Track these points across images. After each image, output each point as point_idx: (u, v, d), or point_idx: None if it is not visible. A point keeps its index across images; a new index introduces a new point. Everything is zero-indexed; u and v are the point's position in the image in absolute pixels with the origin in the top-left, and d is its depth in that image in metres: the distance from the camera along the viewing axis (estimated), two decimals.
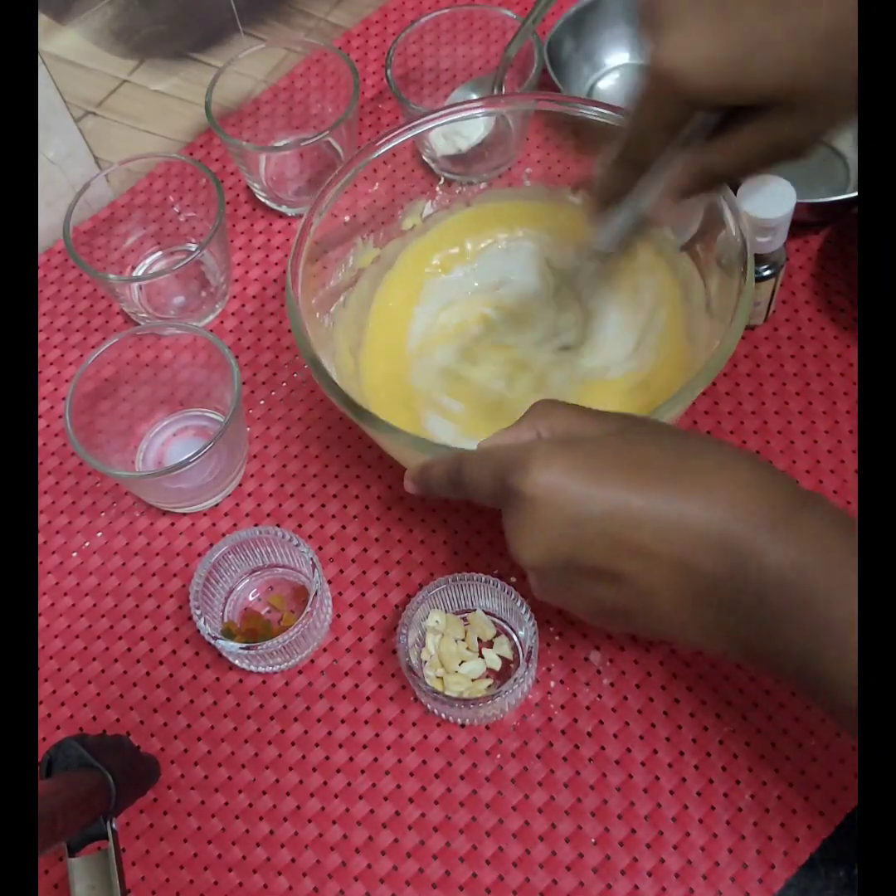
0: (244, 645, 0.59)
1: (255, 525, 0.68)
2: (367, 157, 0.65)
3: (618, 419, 0.45)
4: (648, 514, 0.40)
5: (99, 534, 0.69)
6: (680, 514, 0.40)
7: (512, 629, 0.63)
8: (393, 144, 0.66)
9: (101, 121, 0.77)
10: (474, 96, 0.79)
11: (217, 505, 0.69)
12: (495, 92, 0.77)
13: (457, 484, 0.47)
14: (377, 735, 0.62)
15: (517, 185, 0.71)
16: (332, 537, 0.68)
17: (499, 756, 0.61)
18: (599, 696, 0.61)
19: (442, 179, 0.71)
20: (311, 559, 0.61)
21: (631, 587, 0.42)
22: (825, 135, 0.49)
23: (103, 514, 0.70)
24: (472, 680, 0.61)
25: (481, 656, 0.62)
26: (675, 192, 0.52)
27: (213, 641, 0.60)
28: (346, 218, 0.66)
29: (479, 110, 0.67)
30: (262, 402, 0.73)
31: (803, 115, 0.47)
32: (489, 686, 0.61)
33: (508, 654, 0.62)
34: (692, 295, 0.64)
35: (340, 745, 0.62)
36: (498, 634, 0.63)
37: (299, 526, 0.68)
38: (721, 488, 0.41)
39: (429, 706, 0.61)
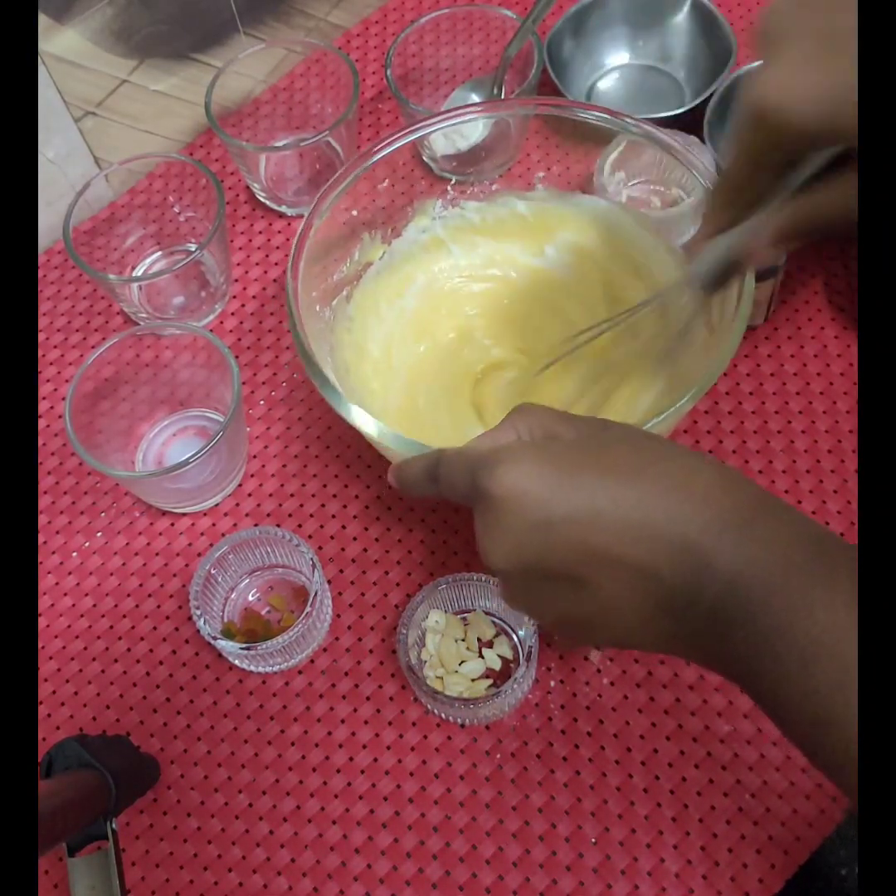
0: (244, 645, 0.59)
1: (255, 525, 0.68)
2: (367, 160, 0.65)
3: (595, 423, 0.45)
4: (613, 518, 0.40)
5: (99, 534, 0.69)
6: (643, 517, 0.40)
7: (512, 629, 0.63)
8: (392, 148, 0.66)
9: (101, 121, 0.77)
10: (474, 96, 0.79)
11: (217, 505, 0.69)
12: (495, 92, 0.77)
13: (434, 481, 0.47)
14: (377, 735, 0.62)
15: (527, 189, 0.71)
16: (332, 537, 0.68)
17: (498, 756, 0.61)
18: (599, 696, 0.61)
19: (453, 180, 0.71)
20: (311, 559, 0.61)
21: (596, 594, 0.41)
22: None
23: (103, 514, 0.70)
24: (472, 680, 0.61)
25: (481, 656, 0.62)
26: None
27: (213, 641, 0.60)
28: (353, 212, 0.66)
29: (479, 115, 0.68)
30: (261, 402, 0.73)
31: None
32: (489, 686, 0.61)
33: (508, 654, 0.62)
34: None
35: (340, 746, 0.62)
36: (498, 634, 0.63)
37: (299, 526, 0.68)
38: (684, 491, 0.40)
39: (429, 706, 0.61)
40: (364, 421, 0.56)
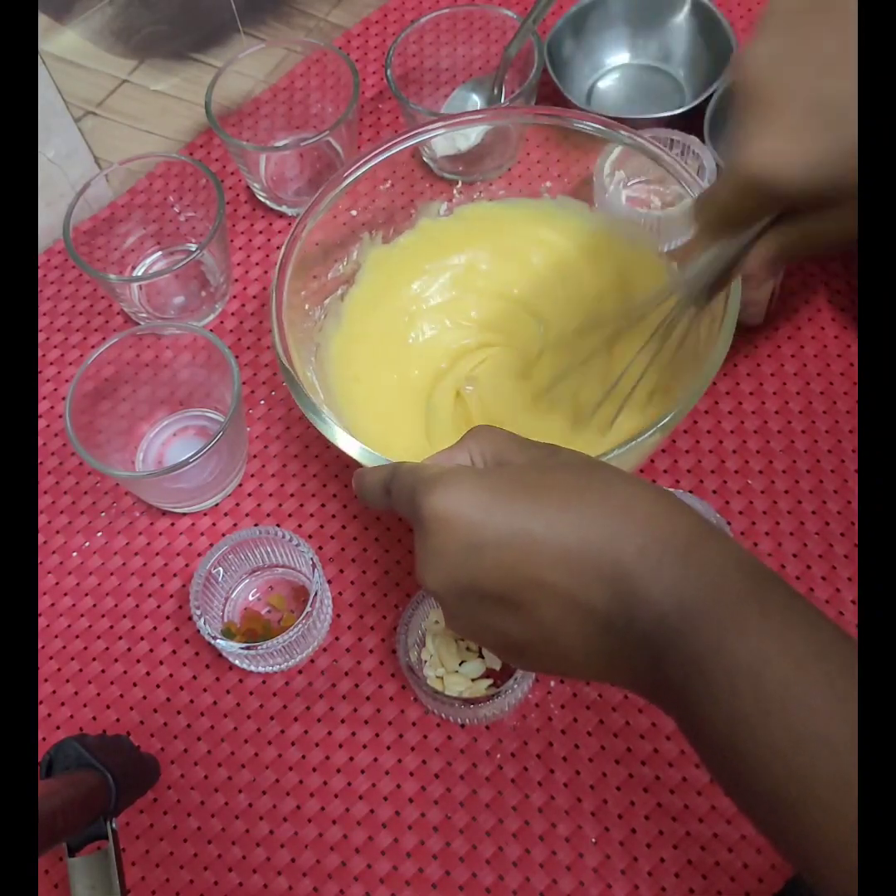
0: (244, 645, 0.59)
1: (255, 525, 0.68)
2: (364, 165, 0.65)
3: (546, 448, 0.45)
4: (547, 543, 0.40)
5: (99, 534, 0.69)
6: (579, 542, 0.39)
7: None
8: (392, 152, 0.66)
9: (101, 121, 0.77)
10: (474, 96, 0.79)
11: (217, 505, 0.69)
12: (495, 92, 0.77)
13: (387, 494, 0.47)
14: (377, 735, 0.62)
15: (531, 192, 0.71)
16: (332, 537, 0.68)
17: (498, 756, 0.61)
18: (600, 696, 0.61)
19: (460, 182, 0.71)
20: (311, 559, 0.61)
21: (533, 618, 0.41)
22: None
23: (103, 514, 0.70)
24: (472, 680, 0.61)
25: (481, 656, 0.62)
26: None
27: (213, 641, 0.60)
28: (353, 212, 0.66)
29: (479, 121, 0.68)
30: (262, 402, 0.73)
31: None
32: (489, 686, 0.61)
33: None
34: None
35: (340, 745, 0.62)
36: None
37: (299, 526, 0.68)
38: (623, 516, 0.40)
39: (429, 706, 0.61)
40: (337, 434, 0.57)
